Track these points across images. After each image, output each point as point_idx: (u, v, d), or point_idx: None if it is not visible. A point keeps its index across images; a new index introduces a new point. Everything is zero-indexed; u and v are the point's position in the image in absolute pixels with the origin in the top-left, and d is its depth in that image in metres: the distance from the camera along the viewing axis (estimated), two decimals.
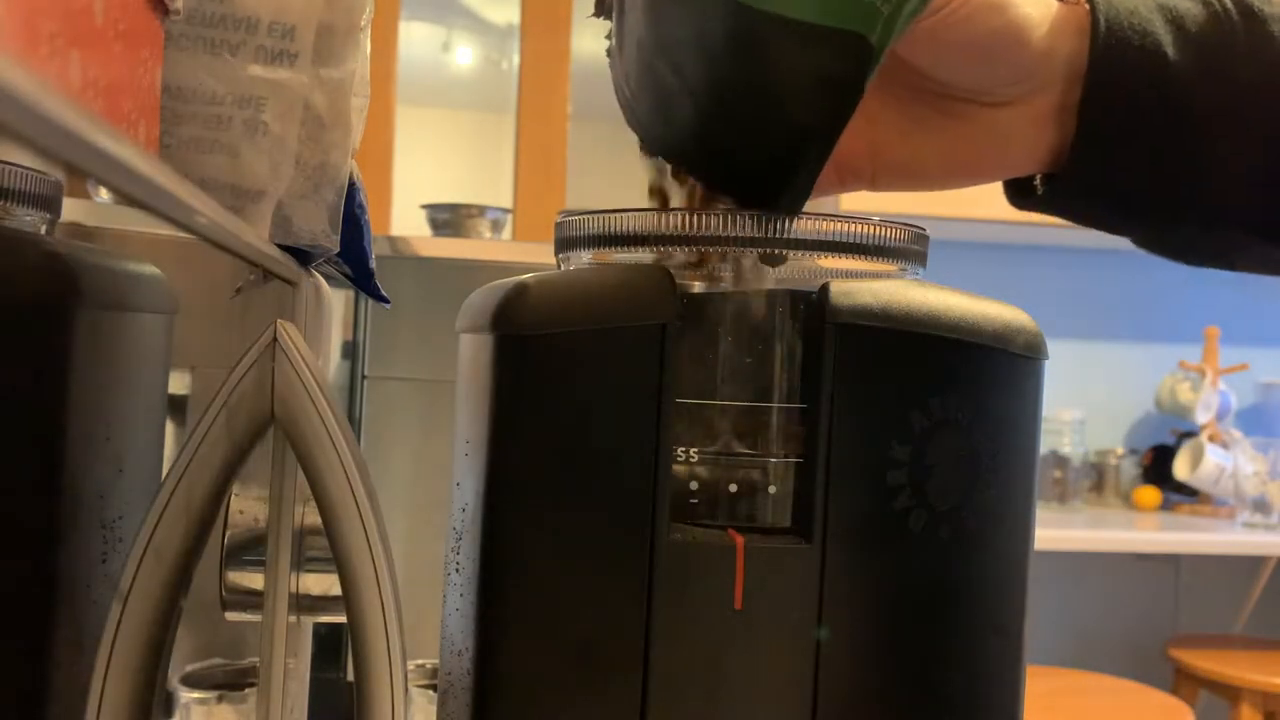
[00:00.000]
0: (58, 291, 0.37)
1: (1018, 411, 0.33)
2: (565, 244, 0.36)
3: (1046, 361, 0.34)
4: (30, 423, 0.37)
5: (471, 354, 0.35)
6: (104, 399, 0.40)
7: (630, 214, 0.34)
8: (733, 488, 0.32)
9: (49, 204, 0.41)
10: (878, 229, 0.33)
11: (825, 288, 0.32)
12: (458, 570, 0.35)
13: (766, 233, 0.32)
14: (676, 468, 0.32)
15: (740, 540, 0.31)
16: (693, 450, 0.32)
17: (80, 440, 0.38)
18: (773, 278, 0.33)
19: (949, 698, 0.32)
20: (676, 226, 0.32)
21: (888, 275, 0.34)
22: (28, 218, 0.40)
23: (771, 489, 0.32)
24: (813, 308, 0.32)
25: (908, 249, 0.34)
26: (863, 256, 0.33)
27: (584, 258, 0.36)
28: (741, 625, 0.31)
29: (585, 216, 0.35)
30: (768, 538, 0.31)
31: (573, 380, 0.31)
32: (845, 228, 0.33)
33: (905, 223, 0.34)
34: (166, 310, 0.44)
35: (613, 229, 0.34)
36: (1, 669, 0.36)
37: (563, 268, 0.36)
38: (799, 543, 0.31)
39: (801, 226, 0.32)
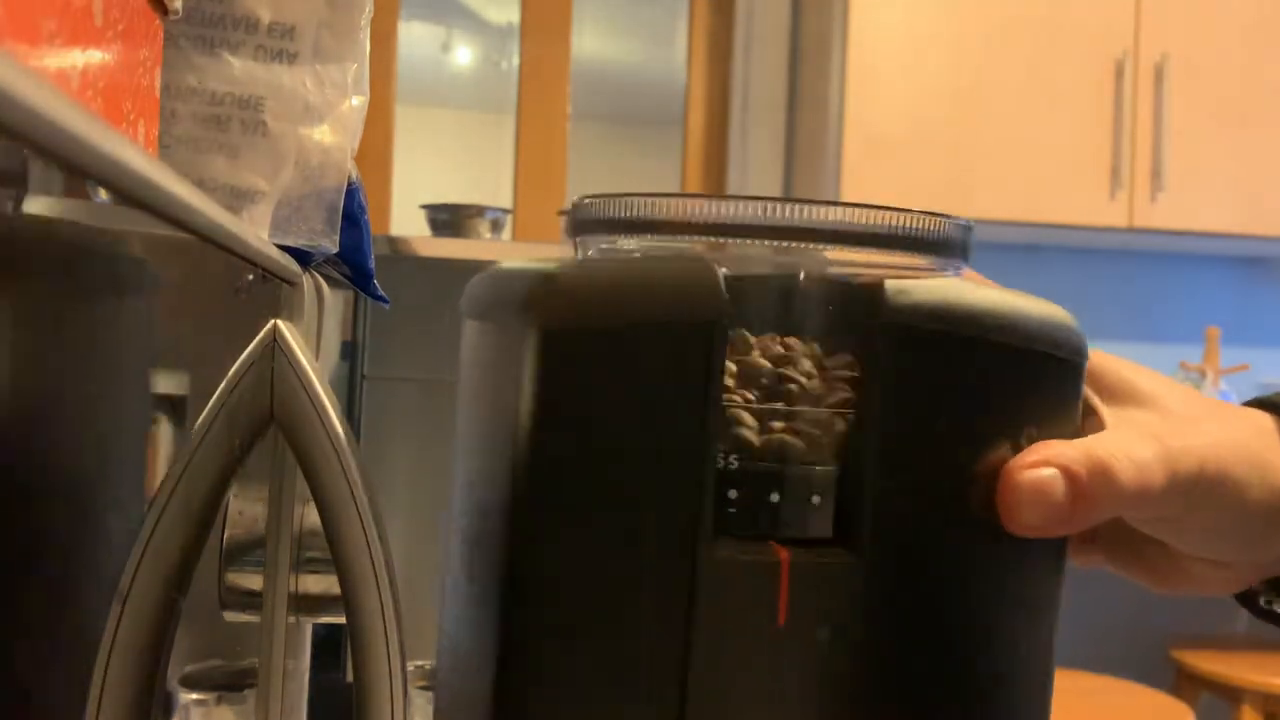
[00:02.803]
0: (25, 272, 0.37)
1: (1063, 415, 0.32)
2: (581, 227, 0.33)
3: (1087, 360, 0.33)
4: (23, 414, 0.37)
5: (482, 343, 0.32)
6: (87, 388, 0.40)
7: (656, 199, 0.31)
8: (774, 497, 0.30)
9: (15, 180, 0.40)
10: (927, 222, 0.31)
11: (880, 285, 0.29)
12: (470, 580, 0.32)
13: (803, 222, 0.30)
14: (716, 476, 0.30)
15: (785, 555, 0.29)
16: (733, 457, 0.30)
17: (69, 431, 0.38)
18: (838, 271, 0.31)
19: (1000, 709, 0.31)
20: (705, 214, 0.30)
21: (931, 272, 0.32)
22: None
23: (815, 499, 0.30)
24: (865, 306, 0.30)
25: (963, 244, 0.32)
26: (911, 252, 0.31)
27: (602, 245, 0.33)
28: (785, 643, 0.29)
29: (614, 199, 0.32)
30: (811, 551, 0.29)
31: (611, 381, 0.29)
32: (887, 219, 0.31)
33: (949, 216, 0.32)
34: (147, 292, 0.44)
35: (638, 214, 0.31)
36: None
37: (579, 254, 0.34)
38: (845, 556, 0.29)
39: (838, 217, 0.30)
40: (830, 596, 0.29)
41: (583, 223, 0.33)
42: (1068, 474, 0.31)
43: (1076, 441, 0.32)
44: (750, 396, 0.30)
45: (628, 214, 0.32)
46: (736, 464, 0.30)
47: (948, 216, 0.32)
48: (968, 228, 0.33)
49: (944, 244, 0.32)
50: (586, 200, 0.33)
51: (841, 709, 0.29)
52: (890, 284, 0.29)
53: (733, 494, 0.30)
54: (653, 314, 0.29)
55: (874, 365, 0.29)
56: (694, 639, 0.28)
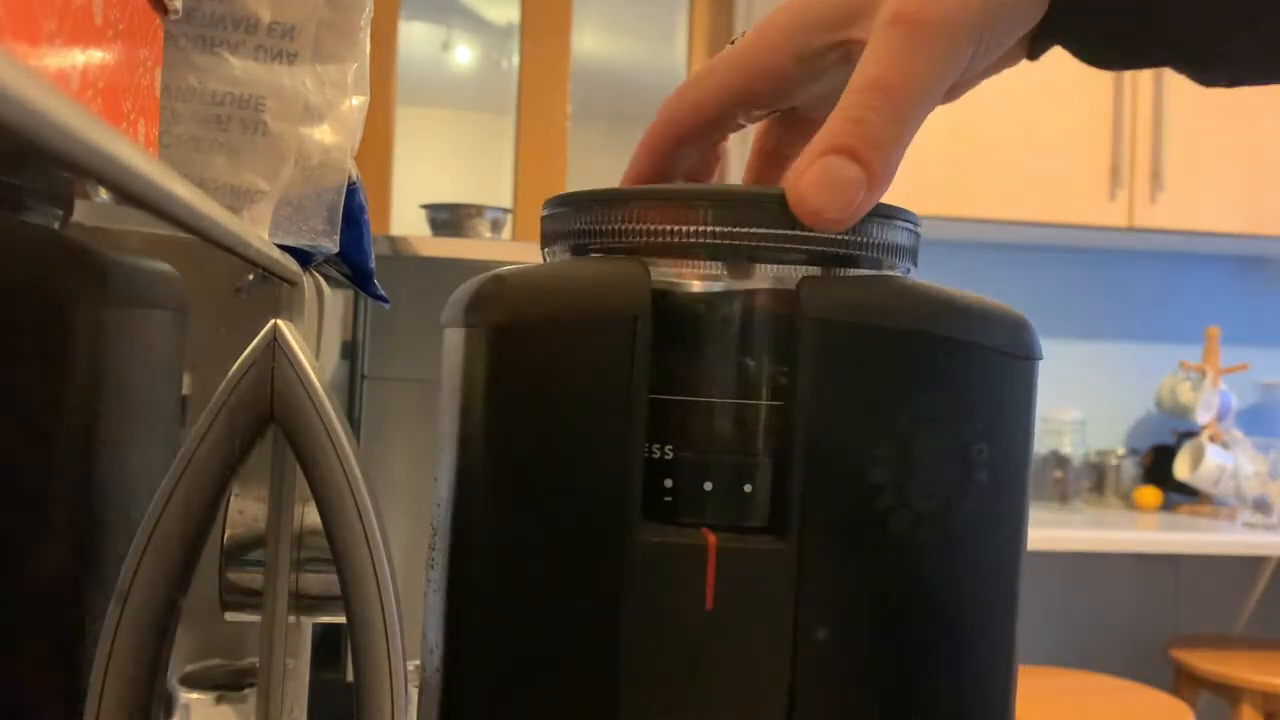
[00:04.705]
0: (75, 286, 0.37)
1: (1006, 410, 0.32)
2: (549, 238, 0.36)
3: (1040, 361, 0.33)
4: (53, 418, 0.37)
5: (449, 347, 0.34)
6: (121, 394, 0.40)
7: (600, 211, 0.33)
8: (708, 486, 0.31)
9: (62, 201, 0.41)
10: (864, 222, 0.32)
11: (801, 282, 0.31)
12: (432, 566, 0.34)
13: (747, 228, 0.32)
14: (651, 465, 0.31)
15: (713, 539, 0.30)
16: (667, 448, 0.31)
17: (100, 437, 0.38)
18: (769, 274, 0.32)
19: (932, 703, 0.31)
20: (652, 223, 0.32)
21: (876, 270, 0.33)
22: (42, 214, 0.40)
23: (747, 487, 0.31)
24: (792, 302, 0.31)
25: (896, 245, 0.33)
26: (848, 251, 0.33)
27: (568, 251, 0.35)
28: (715, 625, 0.30)
29: (565, 210, 0.34)
30: (743, 537, 0.30)
31: (543, 373, 0.31)
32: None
33: (897, 214, 0.33)
34: (178, 307, 0.44)
35: (590, 225, 0.33)
36: (19, 670, 0.36)
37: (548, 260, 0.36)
38: (774, 542, 0.30)
39: (780, 224, 0.32)
40: (760, 581, 0.30)
41: (547, 234, 0.35)
42: (849, 154, 0.31)
43: (835, 117, 0.32)
44: (691, 395, 0.32)
45: (581, 225, 0.34)
46: (671, 455, 0.31)
47: (898, 219, 0.33)
48: (915, 232, 0.34)
49: (886, 245, 0.33)
50: (548, 213, 0.35)
51: (773, 692, 0.30)
52: (813, 281, 0.31)
53: (668, 483, 0.31)
54: (581, 310, 0.31)
55: (796, 358, 0.30)
56: (625, 621, 0.30)
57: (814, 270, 0.32)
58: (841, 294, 0.31)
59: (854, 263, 0.33)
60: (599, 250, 0.33)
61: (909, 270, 0.34)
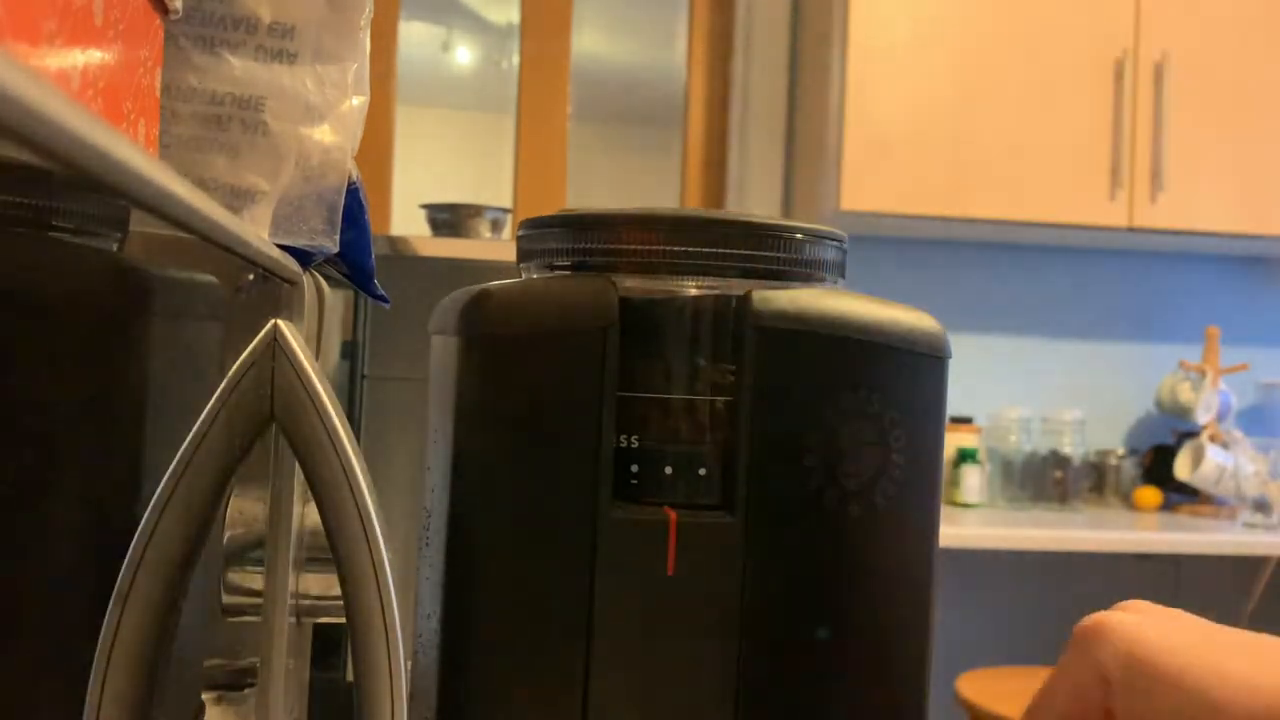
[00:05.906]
0: (127, 301, 0.40)
1: (921, 404, 0.37)
2: (523, 255, 0.40)
3: (949, 360, 0.38)
4: (107, 427, 0.38)
5: (440, 352, 0.39)
6: (169, 402, 0.40)
7: (565, 230, 0.38)
8: (668, 470, 0.36)
9: (119, 225, 0.42)
10: (800, 243, 0.38)
11: (748, 295, 0.36)
12: (428, 544, 0.39)
13: (701, 248, 0.37)
14: (620, 454, 0.36)
15: (673, 516, 0.35)
16: (634, 438, 0.36)
17: (153, 444, 0.38)
18: (719, 286, 0.37)
19: (860, 655, 0.37)
20: (617, 244, 0.37)
21: (810, 282, 0.39)
22: (103, 238, 0.41)
23: (702, 471, 0.36)
24: (738, 312, 0.36)
25: (826, 260, 0.39)
26: (786, 267, 0.38)
27: (552, 265, 0.39)
28: (674, 589, 0.35)
29: (538, 232, 0.39)
30: (698, 513, 0.35)
31: (527, 376, 0.36)
32: (767, 245, 0.37)
33: (827, 235, 0.38)
34: (221, 317, 0.45)
35: (556, 244, 0.38)
36: (77, 679, 0.36)
37: (524, 275, 0.41)
38: (725, 517, 0.35)
39: (728, 244, 0.37)
40: (713, 551, 0.35)
41: (523, 252, 0.41)
42: None
43: None
44: (654, 393, 0.37)
45: (549, 245, 0.39)
46: (637, 444, 0.36)
47: (829, 238, 0.39)
48: (842, 249, 0.40)
49: (819, 261, 0.39)
50: (523, 233, 0.40)
51: (724, 645, 0.35)
52: (756, 294, 0.36)
53: (634, 469, 0.36)
54: (559, 322, 0.36)
55: (743, 360, 0.36)
56: (599, 585, 0.35)
57: (758, 283, 0.37)
58: (782, 306, 0.36)
59: (792, 277, 0.38)
60: (571, 267, 0.38)
61: (837, 282, 0.40)
